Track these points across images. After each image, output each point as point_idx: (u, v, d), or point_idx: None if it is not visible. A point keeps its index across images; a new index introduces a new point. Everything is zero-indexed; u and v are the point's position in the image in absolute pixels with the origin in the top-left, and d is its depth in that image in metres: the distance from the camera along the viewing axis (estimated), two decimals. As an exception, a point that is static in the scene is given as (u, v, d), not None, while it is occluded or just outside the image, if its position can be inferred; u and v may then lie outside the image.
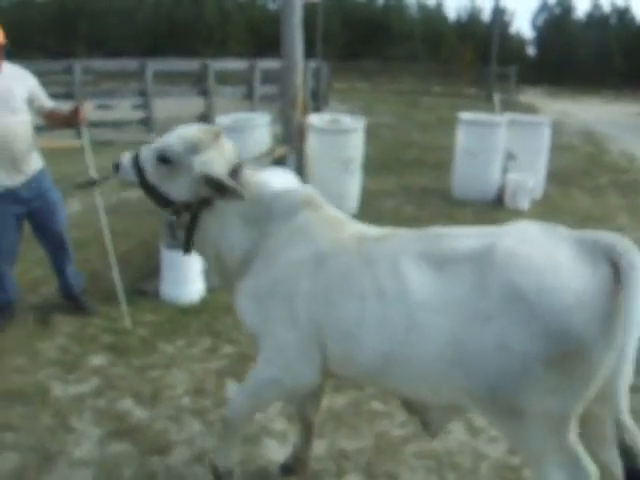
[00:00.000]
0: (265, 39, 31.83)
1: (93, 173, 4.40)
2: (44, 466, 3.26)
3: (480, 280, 2.20)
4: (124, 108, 16.26)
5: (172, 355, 4.29)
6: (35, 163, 4.48)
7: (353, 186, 7.72)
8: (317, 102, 17.47)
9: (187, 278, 4.96)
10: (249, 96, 15.38)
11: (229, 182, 2.61)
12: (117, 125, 13.96)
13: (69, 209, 7.64)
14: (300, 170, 7.02)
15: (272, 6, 39.20)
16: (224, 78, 15.50)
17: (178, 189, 2.71)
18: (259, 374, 2.71)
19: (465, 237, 2.36)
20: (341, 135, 7.55)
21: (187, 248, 2.86)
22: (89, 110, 4.45)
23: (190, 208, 2.73)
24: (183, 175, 2.68)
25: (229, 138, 6.79)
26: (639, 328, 2.00)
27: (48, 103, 4.49)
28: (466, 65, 33.18)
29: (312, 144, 7.42)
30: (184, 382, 3.98)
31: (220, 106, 14.04)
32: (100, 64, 16.76)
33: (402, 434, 3.56)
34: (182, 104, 14.63)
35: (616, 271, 2.13)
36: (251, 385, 2.75)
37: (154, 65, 14.21)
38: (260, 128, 7.14)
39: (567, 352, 2.09)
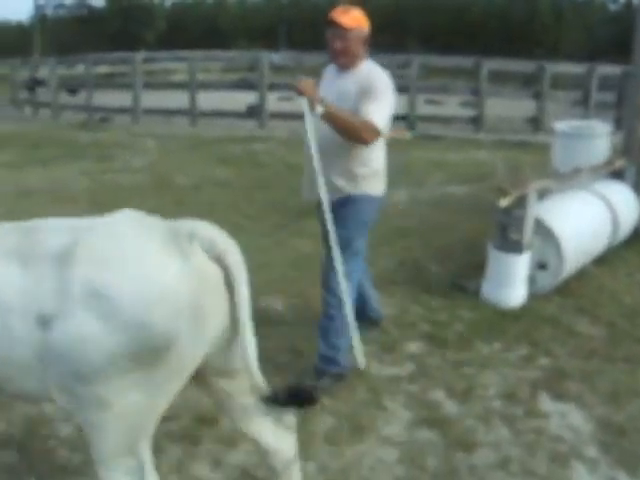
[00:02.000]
0: (602, 42, 30.21)
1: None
2: (354, 435, 3.42)
3: (60, 276, 2.09)
4: (453, 105, 16.49)
5: (487, 356, 4.26)
6: None
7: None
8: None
9: (511, 281, 4.89)
10: (584, 102, 14.69)
11: None
12: (446, 121, 14.20)
13: (394, 198, 7.97)
14: (638, 185, 6.55)
15: (613, 7, 36.94)
16: (557, 81, 14.99)
17: None
18: None
19: (57, 231, 2.24)
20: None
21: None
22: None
23: None
24: None
25: (565, 145, 6.66)
26: (249, 313, 2.29)
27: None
28: None
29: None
30: (496, 385, 3.93)
31: (552, 110, 13.63)
32: (437, 60, 17.13)
33: None
34: (512, 105, 14.43)
35: (217, 262, 2.25)
36: None
37: (489, 64, 14.17)
38: (599, 137, 6.78)
39: (151, 346, 2.10)
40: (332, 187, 3.76)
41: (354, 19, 3.72)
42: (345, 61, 3.78)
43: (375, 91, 3.63)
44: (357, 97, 3.64)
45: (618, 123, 9.34)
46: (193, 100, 14.52)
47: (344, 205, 3.84)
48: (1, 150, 10.70)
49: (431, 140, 12.59)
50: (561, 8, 36.46)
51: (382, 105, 3.62)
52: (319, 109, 3.50)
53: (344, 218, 3.81)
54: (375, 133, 3.61)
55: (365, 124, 3.56)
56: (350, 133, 3.60)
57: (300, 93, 3.52)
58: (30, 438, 3.32)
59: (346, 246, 3.81)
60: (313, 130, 3.60)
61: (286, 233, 6.55)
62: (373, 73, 3.74)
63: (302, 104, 3.54)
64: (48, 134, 13.82)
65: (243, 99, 15.11)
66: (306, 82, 3.54)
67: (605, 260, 5.77)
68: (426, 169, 9.75)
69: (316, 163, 3.62)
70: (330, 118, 3.55)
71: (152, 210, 2.72)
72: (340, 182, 3.82)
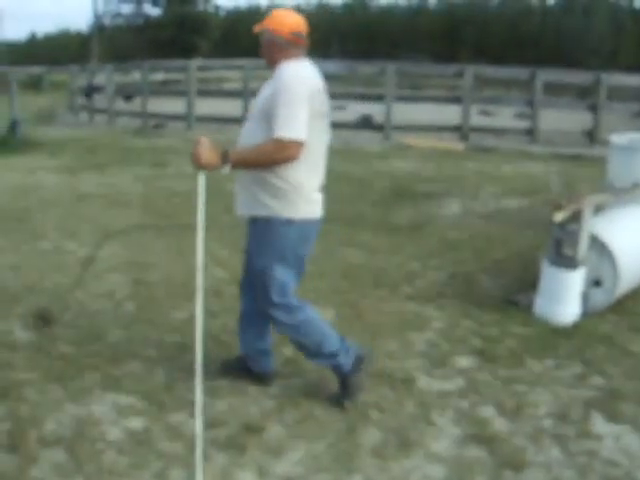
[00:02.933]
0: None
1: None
2: (401, 450, 3.36)
3: None
4: (506, 116, 16.33)
5: (539, 373, 4.17)
6: None
7: None
8: None
9: (566, 298, 4.79)
10: (641, 114, 14.43)
11: None
12: (499, 133, 14.06)
13: (448, 211, 7.91)
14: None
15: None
16: (614, 93, 14.72)
17: None
18: None
19: None
20: None
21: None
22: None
23: None
24: None
25: (621, 159, 6.51)
26: None
27: None
28: None
29: None
30: (548, 403, 3.84)
31: (608, 122, 13.38)
32: (491, 71, 16.99)
33: None
34: (567, 117, 14.23)
35: None
36: None
37: (545, 75, 13.99)
38: (658, 151, 6.61)
39: None
40: (255, 203, 3.50)
41: (268, 22, 3.51)
42: (267, 64, 3.58)
43: (280, 95, 3.28)
44: (268, 102, 3.36)
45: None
46: (246, 107, 14.63)
47: (261, 225, 3.53)
48: (58, 155, 10.94)
49: (484, 152, 12.47)
50: (619, 18, 35.85)
51: (289, 110, 3.25)
52: (225, 170, 3.23)
53: (259, 242, 3.57)
54: (289, 146, 3.25)
55: (275, 146, 3.25)
56: (268, 164, 3.31)
57: (197, 165, 3.17)
58: (79, 439, 3.35)
59: (260, 275, 3.57)
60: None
61: (336, 243, 6.54)
62: (281, 74, 3.39)
63: (199, 179, 3.15)
64: (104, 140, 14.09)
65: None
66: (201, 149, 3.17)
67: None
68: (479, 181, 9.67)
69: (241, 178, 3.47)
70: (240, 165, 3.32)
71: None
72: (261, 198, 3.46)
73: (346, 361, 3.72)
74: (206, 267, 5.75)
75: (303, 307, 3.64)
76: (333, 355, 3.70)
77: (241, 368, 3.98)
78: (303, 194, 3.45)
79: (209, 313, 4.82)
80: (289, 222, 3.45)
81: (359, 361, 3.75)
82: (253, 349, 3.91)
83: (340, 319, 4.80)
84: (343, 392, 3.74)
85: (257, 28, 3.55)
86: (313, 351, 3.71)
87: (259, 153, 3.30)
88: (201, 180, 3.17)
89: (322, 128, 3.51)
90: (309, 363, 4.09)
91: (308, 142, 3.31)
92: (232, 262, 5.90)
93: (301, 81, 3.37)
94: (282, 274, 3.53)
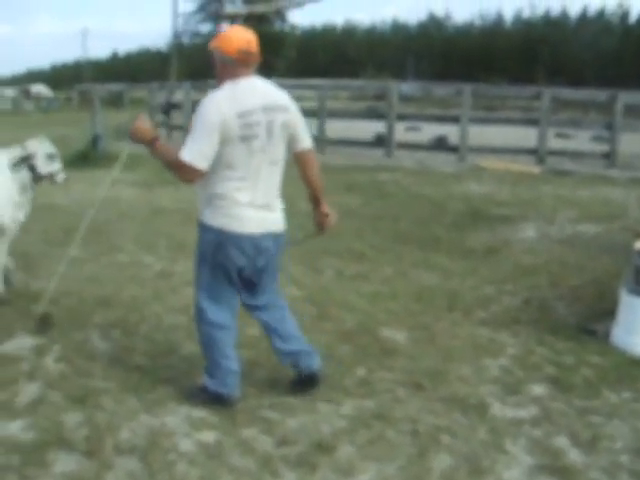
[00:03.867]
0: None
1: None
2: (472, 476, 3.30)
3: None
4: (583, 139, 15.99)
5: (616, 404, 4.05)
6: None
7: None
8: None
9: (644, 329, 4.66)
10: None
11: None
12: (577, 156, 13.78)
13: (523, 235, 7.79)
14: None
15: None
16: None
17: None
18: None
19: None
20: None
21: None
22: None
23: None
24: None
25: None
26: None
27: None
28: None
29: None
30: (625, 437, 3.72)
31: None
32: (568, 92, 16.71)
33: None
34: (648, 141, 13.86)
35: None
36: None
37: (625, 97, 13.66)
38: None
39: None
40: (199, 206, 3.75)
41: (217, 41, 3.61)
42: (217, 83, 3.65)
43: (195, 119, 3.49)
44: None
45: None
46: (322, 128, 14.77)
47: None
48: (135, 170, 11.21)
49: (561, 175, 12.25)
50: None
51: (194, 136, 3.45)
52: (146, 148, 3.54)
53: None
54: (185, 167, 3.45)
55: (176, 162, 3.47)
56: (172, 172, 3.56)
57: (131, 135, 3.53)
58: (152, 449, 3.42)
59: (195, 276, 3.83)
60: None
61: (409, 264, 6.52)
62: (204, 100, 3.54)
63: (122, 152, 3.59)
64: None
65: (369, 128, 15.25)
66: (139, 123, 3.54)
67: None
68: (555, 205, 9.49)
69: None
70: (156, 157, 3.58)
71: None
72: (199, 202, 3.72)
73: (215, 388, 3.82)
74: (282, 286, 5.84)
75: (213, 322, 3.76)
76: (211, 376, 3.84)
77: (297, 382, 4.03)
78: (224, 206, 3.58)
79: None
80: (205, 228, 3.66)
81: (216, 399, 3.82)
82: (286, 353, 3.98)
83: (412, 342, 4.78)
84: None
85: (209, 47, 3.65)
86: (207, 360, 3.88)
87: (168, 160, 3.52)
88: (124, 153, 3.73)
89: (252, 149, 3.54)
90: (382, 384, 4.09)
91: (230, 162, 3.51)
92: (307, 281, 5.97)
93: (216, 109, 3.45)
94: (204, 275, 3.74)
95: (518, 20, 41.73)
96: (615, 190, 10.84)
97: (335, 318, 5.14)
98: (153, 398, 3.91)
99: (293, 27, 47.60)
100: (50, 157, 5.23)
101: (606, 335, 4.86)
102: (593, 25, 37.98)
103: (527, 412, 3.93)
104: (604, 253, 6.80)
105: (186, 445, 3.48)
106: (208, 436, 3.56)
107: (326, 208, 3.96)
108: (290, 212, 4.05)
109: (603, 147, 13.84)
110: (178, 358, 4.46)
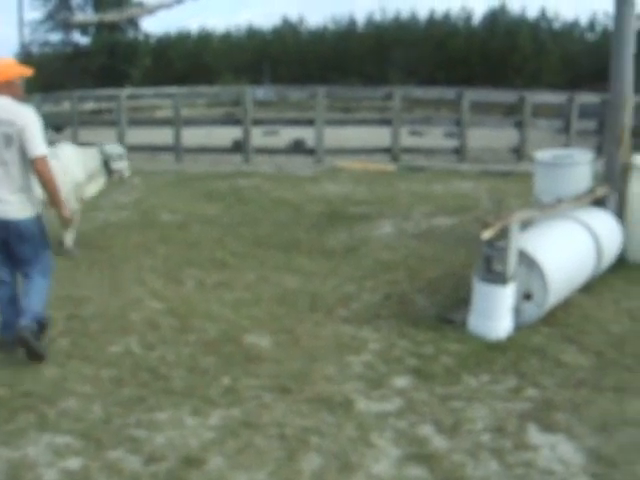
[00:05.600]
0: (581, 71, 30.73)
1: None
2: (342, 473, 3.37)
3: None
4: (436, 136, 16.63)
5: (475, 389, 4.23)
6: None
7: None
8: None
9: (497, 313, 4.88)
10: (565, 130, 14.90)
11: None
12: (429, 152, 14.32)
13: (381, 232, 8.00)
14: (620, 213, 6.60)
15: (591, 36, 37.53)
16: (538, 110, 15.20)
17: None
18: None
19: None
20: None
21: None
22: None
23: None
24: None
25: (546, 174, 6.70)
26: None
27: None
28: None
29: (634, 186, 6.92)
30: (485, 418, 3.90)
31: (534, 139, 13.77)
32: (419, 92, 17.32)
33: None
34: (494, 135, 14.58)
35: None
36: None
37: (471, 95, 14.33)
38: (580, 165, 6.84)
39: None
40: None
41: None
42: None
43: None
44: None
45: (599, 150, 9.41)
46: (178, 136, 14.56)
47: None
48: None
49: (415, 172, 12.66)
50: (540, 39, 36.97)
51: None
52: None
53: None
54: None
55: None
56: None
57: None
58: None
59: None
60: None
61: (271, 269, 6.54)
62: None
63: None
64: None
65: (228, 134, 15.20)
66: None
67: (590, 288, 5.78)
68: (411, 201, 9.80)
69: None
70: None
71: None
72: None
73: None
74: (142, 299, 5.70)
75: None
76: None
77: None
78: None
79: (146, 345, 4.76)
80: None
81: None
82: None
83: (277, 346, 4.79)
84: None
85: None
86: None
87: None
88: None
89: None
90: (248, 391, 4.09)
91: None
92: (168, 293, 5.85)
93: None
94: None
95: (370, 23, 42.67)
96: (466, 183, 11.33)
97: (198, 329, 5.08)
98: (11, 429, 3.72)
99: (146, 35, 46.67)
100: (119, 157, 7.14)
101: (463, 323, 5.07)
102: (440, 27, 39.46)
103: (392, 405, 4.04)
104: (459, 245, 7.09)
105: (50, 476, 3.34)
106: (73, 463, 3.42)
107: (64, 213, 4.72)
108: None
109: (454, 143, 14.45)
110: (37, 383, 4.26)
